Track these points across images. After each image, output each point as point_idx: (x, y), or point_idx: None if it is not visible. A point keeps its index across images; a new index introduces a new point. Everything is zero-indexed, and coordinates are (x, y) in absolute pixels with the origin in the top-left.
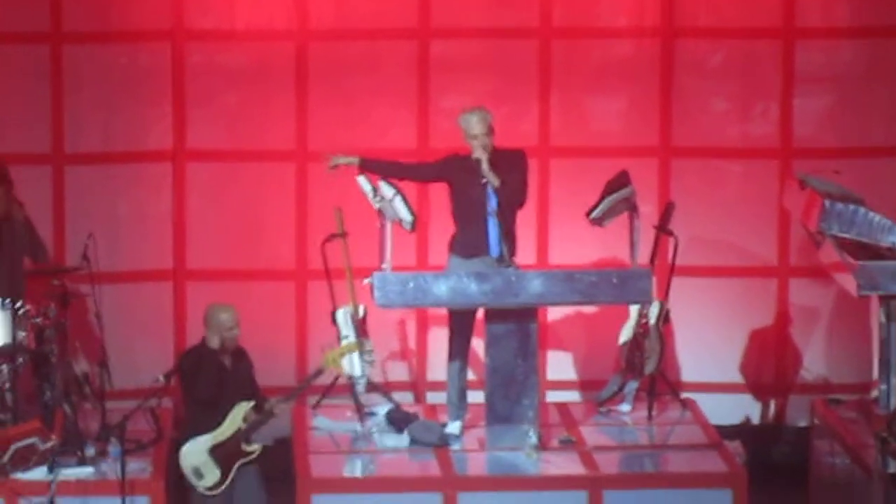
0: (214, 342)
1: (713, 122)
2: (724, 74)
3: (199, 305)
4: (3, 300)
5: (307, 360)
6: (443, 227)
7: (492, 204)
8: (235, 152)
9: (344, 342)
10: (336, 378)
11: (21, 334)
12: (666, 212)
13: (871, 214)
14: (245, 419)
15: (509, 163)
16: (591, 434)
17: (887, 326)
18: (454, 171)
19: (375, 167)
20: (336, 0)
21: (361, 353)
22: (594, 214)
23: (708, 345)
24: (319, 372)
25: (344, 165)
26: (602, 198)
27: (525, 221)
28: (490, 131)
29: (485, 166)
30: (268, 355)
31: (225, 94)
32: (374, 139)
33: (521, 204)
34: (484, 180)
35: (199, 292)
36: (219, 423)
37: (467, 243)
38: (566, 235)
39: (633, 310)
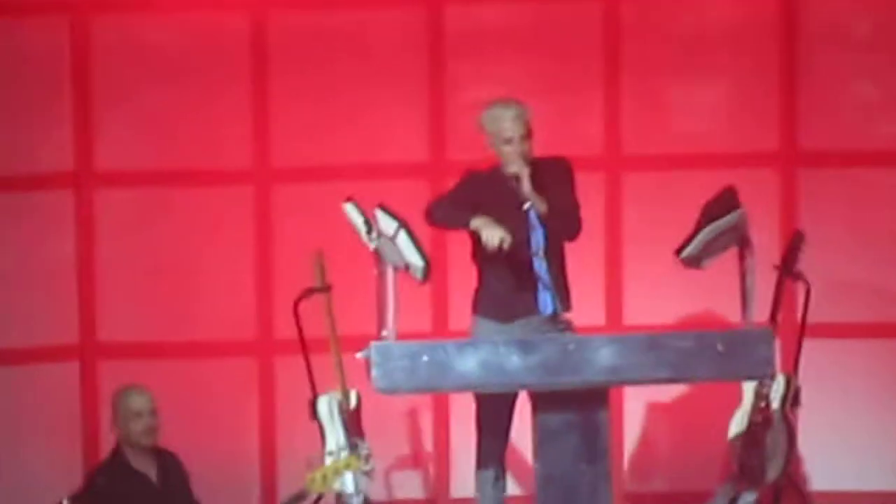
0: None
1: (858, 115)
2: (874, 48)
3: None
4: None
5: (277, 475)
6: (469, 276)
7: (537, 239)
8: (165, 174)
9: (330, 459)
10: (318, 500)
11: None
12: (792, 245)
13: None
14: None
15: (551, 175)
16: None
17: None
18: (484, 193)
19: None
20: None
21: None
22: (688, 251)
23: (857, 438)
24: (300, 497)
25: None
26: (698, 227)
27: (586, 262)
28: (529, 134)
29: (526, 185)
30: (218, 469)
31: (149, 91)
32: (365, 151)
33: (577, 230)
34: (526, 205)
35: (116, 374)
36: None
37: (502, 299)
38: (647, 283)
39: (749, 389)
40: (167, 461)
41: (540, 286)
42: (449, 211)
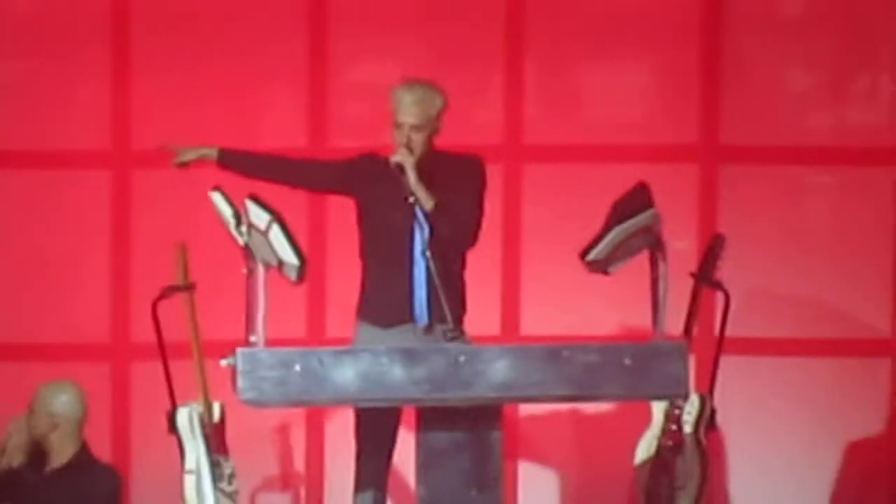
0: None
1: (787, 106)
2: (805, 31)
3: None
4: None
5: (130, 493)
6: (351, 277)
7: (422, 238)
8: (9, 154)
9: (190, 477)
10: None
11: None
12: (711, 251)
13: None
14: None
15: (455, 175)
16: None
17: None
18: (367, 180)
19: (244, 164)
20: None
21: (216, 482)
22: (594, 254)
23: (779, 467)
24: None
25: (196, 162)
26: (607, 228)
27: (480, 264)
28: (430, 122)
29: (410, 176)
30: None
31: None
32: (235, 133)
33: (470, 241)
34: (411, 200)
35: None
36: None
37: (382, 302)
38: (548, 289)
39: (658, 410)
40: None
41: (417, 290)
42: (307, 166)
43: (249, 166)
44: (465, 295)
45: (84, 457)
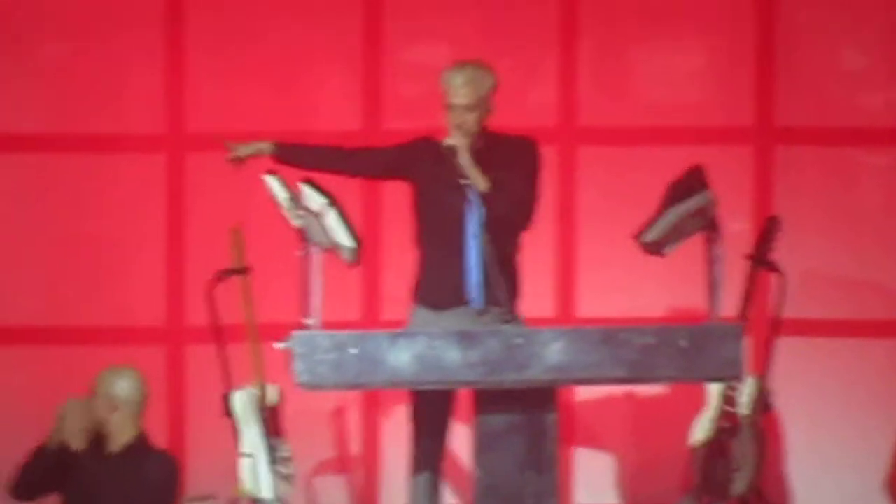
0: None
1: (841, 87)
2: (859, 11)
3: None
4: None
5: (186, 476)
6: (406, 259)
7: (474, 220)
8: (63, 137)
9: (247, 461)
10: None
11: None
12: (767, 232)
13: None
14: None
15: (509, 155)
16: None
17: None
18: (422, 164)
19: (300, 157)
20: None
21: (272, 465)
22: (650, 236)
23: (834, 449)
24: (206, 498)
25: (251, 157)
26: (662, 210)
27: (535, 247)
28: (481, 102)
29: (463, 158)
30: None
31: (45, 43)
32: (291, 117)
33: (525, 221)
34: (465, 181)
35: (7, 362)
36: None
37: (436, 285)
38: (603, 271)
39: (714, 392)
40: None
41: (470, 272)
42: (359, 155)
43: (305, 158)
44: (520, 277)
45: (142, 442)
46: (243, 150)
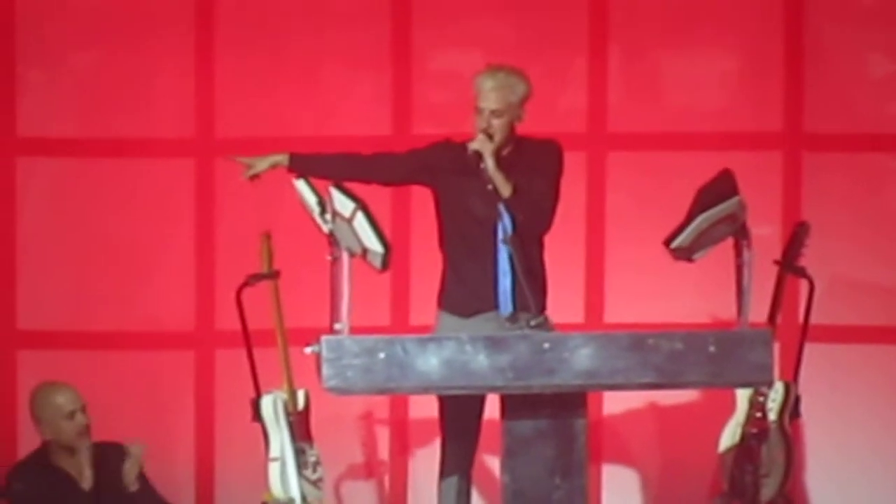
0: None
1: (869, 93)
2: (887, 17)
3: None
4: None
5: (214, 480)
6: (435, 264)
7: (504, 225)
8: (93, 142)
9: (275, 465)
10: None
11: None
12: (795, 238)
13: None
14: None
15: (532, 159)
16: None
17: None
18: (445, 169)
19: (317, 166)
20: None
21: (301, 470)
22: (679, 242)
23: (863, 455)
24: None
25: (268, 170)
26: (691, 215)
27: (564, 252)
28: (510, 108)
29: (489, 163)
30: (150, 471)
31: (76, 48)
32: (320, 122)
33: (544, 225)
34: (490, 186)
35: (35, 366)
36: None
37: (464, 291)
38: (632, 277)
39: (743, 397)
40: (109, 458)
41: (501, 279)
42: (378, 161)
43: (322, 168)
44: (545, 280)
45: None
46: (259, 165)
